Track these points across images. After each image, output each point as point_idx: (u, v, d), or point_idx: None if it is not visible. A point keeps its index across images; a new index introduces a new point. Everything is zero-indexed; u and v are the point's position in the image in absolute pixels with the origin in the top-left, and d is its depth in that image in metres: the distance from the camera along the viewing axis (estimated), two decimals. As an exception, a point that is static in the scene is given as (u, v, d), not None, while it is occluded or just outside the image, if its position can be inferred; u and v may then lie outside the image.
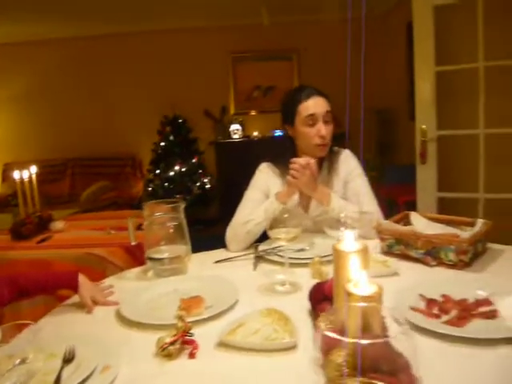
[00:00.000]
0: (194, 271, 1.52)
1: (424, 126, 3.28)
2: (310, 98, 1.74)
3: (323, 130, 1.72)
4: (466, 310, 1.05)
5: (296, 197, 1.74)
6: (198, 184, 5.51)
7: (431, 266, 1.36)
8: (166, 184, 5.45)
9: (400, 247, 1.44)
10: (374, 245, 1.55)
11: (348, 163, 1.84)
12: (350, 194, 1.79)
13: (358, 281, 0.74)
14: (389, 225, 1.50)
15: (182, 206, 1.53)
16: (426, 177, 3.31)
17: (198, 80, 6.04)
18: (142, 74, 6.06)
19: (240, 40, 6.00)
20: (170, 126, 5.68)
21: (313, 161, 1.63)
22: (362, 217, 1.65)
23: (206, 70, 6.08)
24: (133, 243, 1.83)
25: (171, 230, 1.52)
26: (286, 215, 1.34)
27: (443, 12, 3.26)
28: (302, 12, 5.42)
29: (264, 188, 1.76)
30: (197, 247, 1.62)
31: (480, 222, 1.43)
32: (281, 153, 1.76)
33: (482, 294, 1.10)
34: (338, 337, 0.62)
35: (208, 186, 5.62)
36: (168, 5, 4.93)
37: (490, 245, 1.51)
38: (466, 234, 1.32)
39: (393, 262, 1.39)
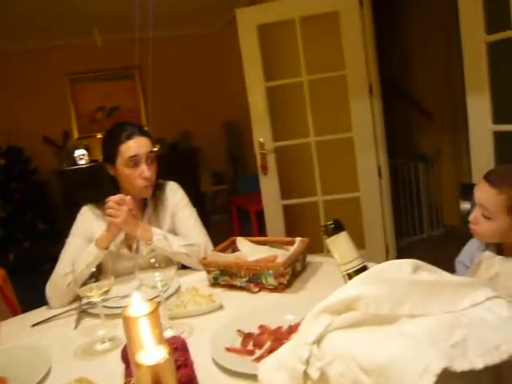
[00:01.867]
0: (6, 341, 1.36)
1: (261, 139, 3.42)
2: (132, 139, 1.66)
3: (146, 171, 1.66)
4: (279, 340, 1.08)
5: (121, 237, 1.67)
6: (42, 218, 5.10)
7: (254, 292, 1.39)
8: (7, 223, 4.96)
9: (225, 278, 1.46)
10: (204, 277, 1.55)
11: (174, 195, 1.81)
12: (177, 226, 1.77)
13: (148, 347, 0.71)
14: (213, 256, 1.51)
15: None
16: (269, 187, 3.46)
17: (33, 105, 5.60)
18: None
19: (75, 61, 5.70)
20: (4, 158, 5.18)
21: (128, 196, 1.57)
22: (189, 249, 1.64)
23: (42, 94, 5.66)
24: None
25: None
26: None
27: (270, 30, 3.44)
28: (136, 29, 5.33)
29: (86, 233, 1.65)
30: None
31: (298, 240, 1.50)
32: (102, 193, 1.67)
33: (292, 318, 1.14)
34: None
35: (55, 218, 5.24)
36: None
37: (310, 258, 1.60)
38: (281, 257, 1.38)
39: (218, 294, 1.39)
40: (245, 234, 4.72)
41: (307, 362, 0.54)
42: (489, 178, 1.24)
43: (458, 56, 2.57)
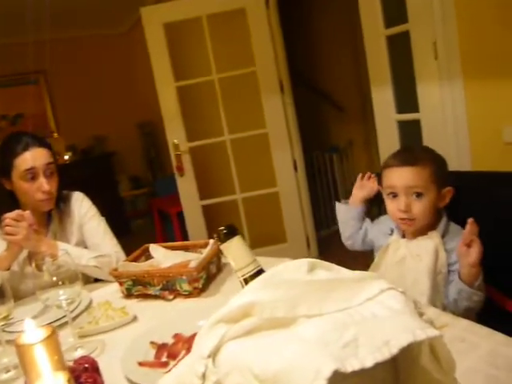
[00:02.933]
0: None
1: (175, 140, 3.35)
2: (28, 150, 1.54)
3: (45, 185, 1.54)
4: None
5: (24, 255, 1.55)
6: None
7: (169, 300, 1.35)
8: None
9: (139, 288, 1.40)
10: (117, 288, 1.47)
11: (80, 206, 1.71)
12: (86, 237, 1.68)
13: (45, 375, 0.65)
14: (124, 266, 1.44)
15: None
16: (187, 188, 3.40)
17: None
18: None
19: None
20: None
21: (27, 211, 1.46)
22: (99, 261, 1.56)
23: None
24: None
25: None
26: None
27: (178, 29, 3.37)
28: (35, 31, 5.02)
29: None
30: None
31: (211, 242, 1.47)
32: (-1, 210, 1.53)
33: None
34: None
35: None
36: None
37: (226, 258, 1.58)
38: (195, 261, 1.34)
39: (132, 306, 1.33)
40: (167, 236, 4.65)
41: (203, 377, 0.51)
42: (405, 161, 1.31)
43: (364, 49, 2.65)
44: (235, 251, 0.94)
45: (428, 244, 1.27)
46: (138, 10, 3.27)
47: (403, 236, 1.36)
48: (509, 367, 0.80)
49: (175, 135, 3.35)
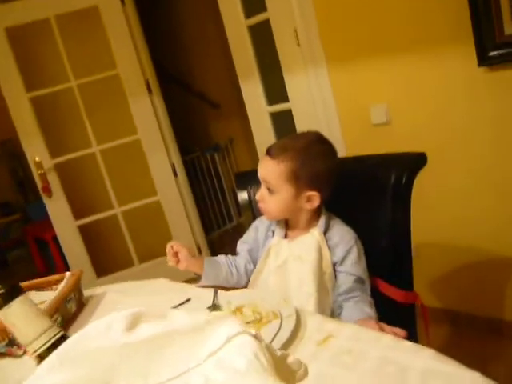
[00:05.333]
0: None
1: (37, 158, 3.00)
2: None
3: None
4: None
5: None
6: None
7: (20, 355, 1.11)
8: None
9: (-22, 346, 1.13)
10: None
11: None
12: None
13: None
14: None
15: None
16: (58, 209, 3.07)
17: None
18: None
19: None
20: None
21: None
22: None
23: None
24: None
25: None
26: None
27: (25, 33, 3.01)
28: None
29: None
30: None
31: (67, 275, 1.25)
32: None
33: None
34: None
35: None
36: None
37: (91, 290, 1.37)
38: (45, 304, 1.12)
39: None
40: (48, 265, 4.21)
41: None
42: (268, 151, 1.18)
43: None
44: (18, 320, 0.68)
45: (309, 242, 1.16)
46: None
47: (285, 236, 1.24)
48: (398, 376, 0.72)
49: (36, 152, 3.00)
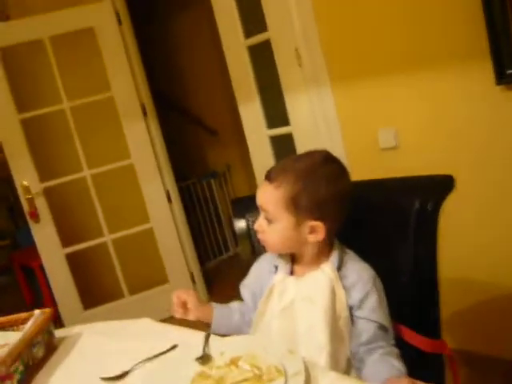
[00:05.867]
0: None
1: (25, 182, 2.86)
2: None
3: None
4: None
5: None
6: None
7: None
8: None
9: None
10: None
11: None
12: None
13: None
14: None
15: None
16: (45, 236, 2.91)
17: None
18: None
19: None
20: None
21: None
22: None
23: None
24: None
25: None
26: None
27: (19, 54, 2.91)
28: None
29: None
30: None
31: (36, 314, 1.09)
32: None
33: None
34: None
35: None
36: None
37: (66, 331, 1.20)
38: (6, 348, 0.95)
39: None
40: (35, 295, 4.01)
41: None
42: (267, 174, 1.03)
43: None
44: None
45: (321, 280, 0.98)
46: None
47: (291, 273, 1.05)
48: None
49: (24, 175, 2.86)
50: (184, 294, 1.09)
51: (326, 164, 1.01)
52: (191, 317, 1.09)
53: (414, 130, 1.80)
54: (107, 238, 2.98)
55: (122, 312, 2.98)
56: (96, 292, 3.07)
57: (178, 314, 1.09)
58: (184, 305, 1.09)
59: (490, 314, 1.80)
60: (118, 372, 0.91)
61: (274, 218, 1.00)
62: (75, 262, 2.99)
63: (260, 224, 1.04)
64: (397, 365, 0.89)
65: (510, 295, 1.72)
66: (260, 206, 1.03)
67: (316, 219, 0.97)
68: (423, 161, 1.77)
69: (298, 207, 0.97)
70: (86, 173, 2.92)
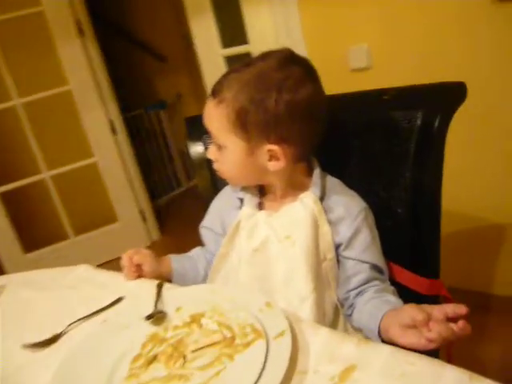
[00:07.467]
0: None
1: None
2: None
3: None
4: None
5: None
6: None
7: None
8: None
9: None
10: None
11: None
12: None
13: None
14: None
15: None
16: None
17: None
18: None
19: None
20: None
21: None
22: None
23: None
24: None
25: None
26: None
27: None
28: None
29: None
30: None
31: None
32: None
33: None
34: None
35: None
36: None
37: None
38: None
39: None
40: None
41: None
42: (212, 88, 0.80)
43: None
44: None
45: (300, 215, 0.79)
46: None
47: (260, 206, 0.86)
48: None
49: None
50: (136, 254, 0.88)
51: (284, 67, 0.77)
52: (148, 277, 0.89)
53: (387, 48, 1.61)
54: (45, 174, 2.69)
55: (67, 253, 2.77)
56: (38, 234, 2.81)
57: (132, 277, 0.88)
58: (138, 267, 0.88)
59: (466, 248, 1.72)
60: (46, 335, 0.72)
61: (222, 142, 0.80)
62: (12, 202, 2.70)
63: (211, 151, 0.83)
64: (394, 300, 0.73)
65: (476, 229, 1.64)
66: (209, 130, 0.82)
67: (272, 142, 0.77)
68: (399, 83, 1.59)
69: (246, 127, 0.76)
70: (17, 101, 2.57)
